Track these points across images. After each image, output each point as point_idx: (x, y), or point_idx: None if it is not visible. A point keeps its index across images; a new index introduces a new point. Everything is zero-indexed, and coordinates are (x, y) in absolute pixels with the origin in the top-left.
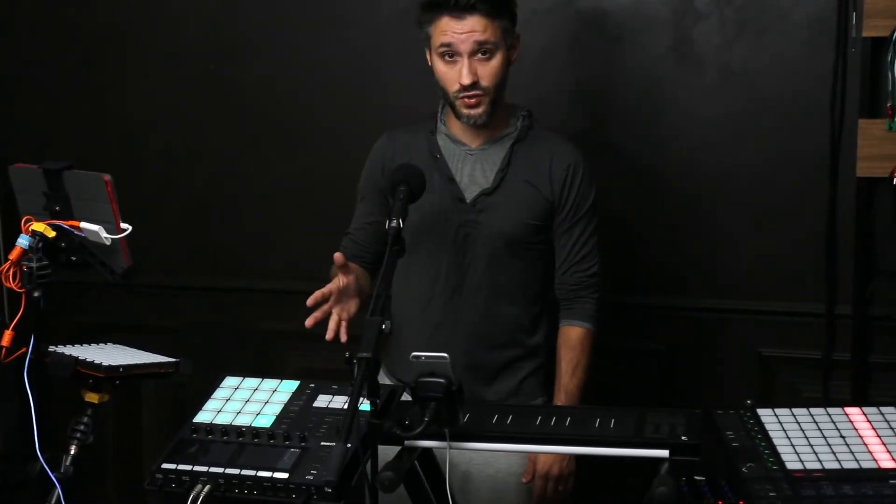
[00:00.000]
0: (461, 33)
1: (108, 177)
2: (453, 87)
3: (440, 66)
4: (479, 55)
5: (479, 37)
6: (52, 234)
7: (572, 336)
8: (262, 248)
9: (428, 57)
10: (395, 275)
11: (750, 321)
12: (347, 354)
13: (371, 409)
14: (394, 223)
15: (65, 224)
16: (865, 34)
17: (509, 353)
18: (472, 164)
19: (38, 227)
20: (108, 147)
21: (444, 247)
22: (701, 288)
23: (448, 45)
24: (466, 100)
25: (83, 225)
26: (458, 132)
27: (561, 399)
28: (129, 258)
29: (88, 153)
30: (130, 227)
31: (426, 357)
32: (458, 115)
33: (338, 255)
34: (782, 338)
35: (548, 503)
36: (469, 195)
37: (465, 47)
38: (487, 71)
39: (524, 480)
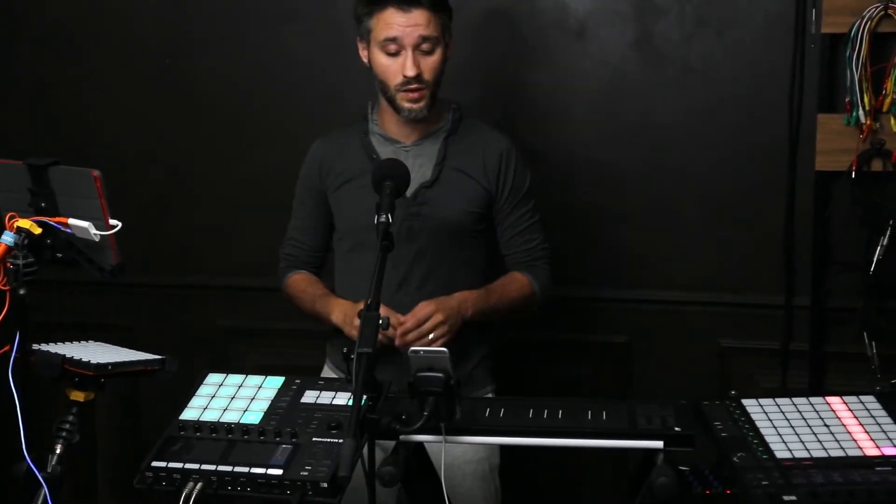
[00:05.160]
0: (407, 26)
1: (97, 172)
2: (396, 80)
3: (382, 60)
4: (422, 49)
5: (423, 30)
6: (38, 230)
7: (517, 276)
8: (219, 246)
9: (363, 52)
10: (343, 272)
11: (709, 313)
12: (345, 350)
13: (368, 404)
14: (382, 218)
15: (51, 221)
16: (824, 30)
17: (458, 343)
18: (409, 160)
19: (24, 223)
20: (61, 143)
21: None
22: (661, 280)
23: (393, 38)
24: (408, 93)
25: (71, 221)
26: (391, 130)
27: (480, 291)
28: (117, 255)
29: (41, 150)
30: (120, 224)
31: (424, 352)
32: (398, 109)
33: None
34: (741, 329)
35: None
36: (409, 189)
37: (409, 40)
38: (429, 64)
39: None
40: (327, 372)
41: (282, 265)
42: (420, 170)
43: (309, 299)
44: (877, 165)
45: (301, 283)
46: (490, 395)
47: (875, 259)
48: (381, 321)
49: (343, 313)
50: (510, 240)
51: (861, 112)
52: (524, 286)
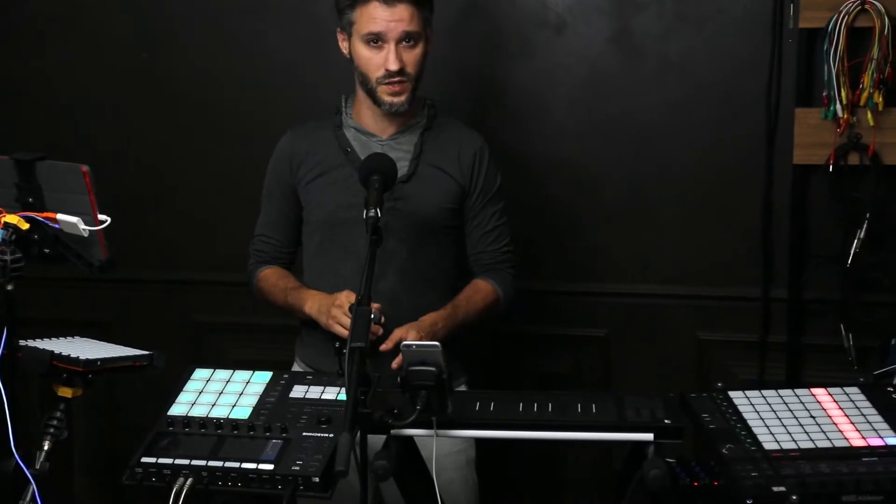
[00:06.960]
0: (391, 21)
1: (85, 167)
2: (377, 73)
3: (364, 52)
4: (405, 43)
5: (407, 26)
6: (25, 226)
7: (481, 285)
8: (196, 241)
9: (343, 43)
10: (314, 266)
11: (687, 306)
12: (337, 344)
13: (361, 399)
14: (371, 213)
15: (39, 216)
16: (801, 25)
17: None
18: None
19: (12, 219)
20: (37, 139)
21: (364, 237)
22: (639, 274)
23: (376, 32)
24: (390, 86)
25: (60, 217)
26: (368, 123)
27: (447, 309)
28: (106, 250)
29: (16, 145)
30: (109, 219)
31: (417, 346)
32: (379, 103)
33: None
34: (719, 321)
35: None
36: None
37: (393, 35)
38: (412, 58)
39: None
40: (296, 367)
41: (251, 261)
42: (396, 164)
43: (280, 292)
44: (854, 159)
45: (272, 276)
46: (463, 388)
47: (852, 252)
48: (372, 315)
49: (318, 304)
50: (478, 239)
51: (838, 106)
52: (488, 295)
